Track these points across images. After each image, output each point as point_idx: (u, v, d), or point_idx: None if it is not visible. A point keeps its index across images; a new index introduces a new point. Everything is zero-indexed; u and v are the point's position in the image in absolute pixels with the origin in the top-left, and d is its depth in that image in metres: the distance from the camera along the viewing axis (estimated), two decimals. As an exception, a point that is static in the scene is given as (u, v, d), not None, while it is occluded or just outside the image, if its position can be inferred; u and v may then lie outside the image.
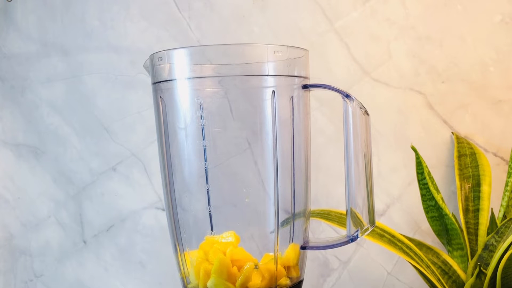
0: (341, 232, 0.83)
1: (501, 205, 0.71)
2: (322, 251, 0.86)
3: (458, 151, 0.77)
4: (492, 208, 0.71)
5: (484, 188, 0.73)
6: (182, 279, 0.53)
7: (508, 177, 0.71)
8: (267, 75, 0.49)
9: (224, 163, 0.51)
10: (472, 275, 0.65)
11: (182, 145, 0.51)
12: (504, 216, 0.71)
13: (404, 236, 0.66)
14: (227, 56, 0.50)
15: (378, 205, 0.83)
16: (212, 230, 0.52)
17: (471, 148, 0.77)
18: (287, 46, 0.50)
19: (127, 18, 0.91)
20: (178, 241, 0.53)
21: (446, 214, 0.69)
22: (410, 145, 0.70)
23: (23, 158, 1.01)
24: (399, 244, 0.64)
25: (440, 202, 0.68)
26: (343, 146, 0.50)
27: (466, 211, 0.72)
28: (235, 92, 0.50)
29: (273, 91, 0.49)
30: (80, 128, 0.96)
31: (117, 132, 0.94)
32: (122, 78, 0.93)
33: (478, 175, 0.74)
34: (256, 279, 0.50)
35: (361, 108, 0.49)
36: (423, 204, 0.72)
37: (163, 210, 0.93)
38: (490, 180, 0.73)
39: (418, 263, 0.62)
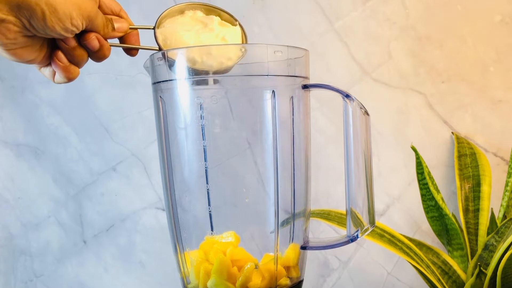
0: (341, 232, 0.83)
1: (501, 205, 0.72)
2: (322, 251, 0.86)
3: (458, 151, 0.77)
4: (492, 208, 0.71)
5: (484, 188, 0.73)
6: (182, 279, 0.53)
7: (508, 177, 0.71)
8: (267, 75, 0.49)
9: (224, 163, 0.51)
10: (472, 275, 0.65)
11: (182, 145, 0.51)
12: (504, 216, 0.71)
13: (404, 236, 0.66)
14: (227, 56, 0.50)
15: (378, 205, 0.83)
16: (212, 230, 0.52)
17: (471, 148, 0.77)
18: (287, 46, 0.50)
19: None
20: (178, 241, 0.53)
21: (446, 214, 0.69)
22: (410, 145, 0.70)
23: (23, 158, 1.01)
24: (399, 244, 0.64)
25: (440, 202, 0.68)
26: (343, 146, 0.50)
27: (466, 211, 0.72)
28: (235, 92, 0.50)
29: (273, 91, 0.49)
30: (80, 128, 0.97)
31: (117, 132, 0.94)
32: (122, 78, 0.93)
33: (478, 175, 0.74)
34: (256, 279, 0.50)
35: (361, 108, 0.49)
36: (423, 204, 0.72)
37: (163, 210, 0.93)
38: (490, 180, 0.73)
39: (418, 263, 0.62)
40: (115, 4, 0.51)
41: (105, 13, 0.50)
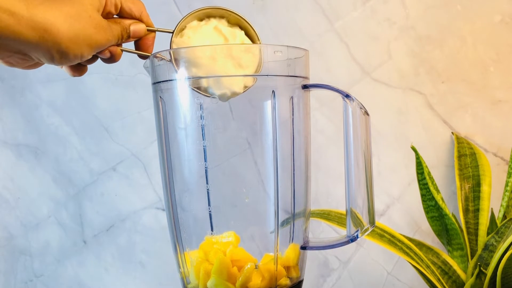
0: (341, 232, 0.83)
1: (501, 205, 0.72)
2: (322, 251, 0.86)
3: (458, 151, 0.77)
4: (492, 208, 0.71)
5: (484, 188, 0.73)
6: (182, 279, 0.53)
7: (508, 177, 0.71)
8: (267, 75, 0.49)
9: (224, 163, 0.51)
10: (472, 275, 0.65)
11: (182, 145, 0.51)
12: (504, 216, 0.71)
13: (404, 236, 0.67)
14: (227, 56, 0.50)
15: (378, 205, 0.83)
16: (212, 230, 0.52)
17: (471, 148, 0.77)
18: (287, 46, 0.50)
19: (127, 18, 0.91)
20: (178, 241, 0.53)
21: (446, 214, 0.69)
22: (410, 145, 0.70)
23: (23, 158, 1.01)
24: (399, 244, 0.64)
25: (440, 202, 0.68)
26: (343, 146, 0.50)
27: (466, 211, 0.72)
28: (235, 92, 0.50)
29: (273, 91, 0.49)
30: (80, 128, 0.97)
31: (117, 132, 0.94)
32: (122, 78, 0.93)
33: (478, 175, 0.74)
34: (256, 279, 0.50)
35: (361, 108, 0.49)
36: (423, 204, 0.72)
37: (163, 210, 0.93)
38: (490, 180, 0.73)
39: (418, 263, 0.62)
40: (136, 8, 0.49)
41: (124, 17, 0.49)
